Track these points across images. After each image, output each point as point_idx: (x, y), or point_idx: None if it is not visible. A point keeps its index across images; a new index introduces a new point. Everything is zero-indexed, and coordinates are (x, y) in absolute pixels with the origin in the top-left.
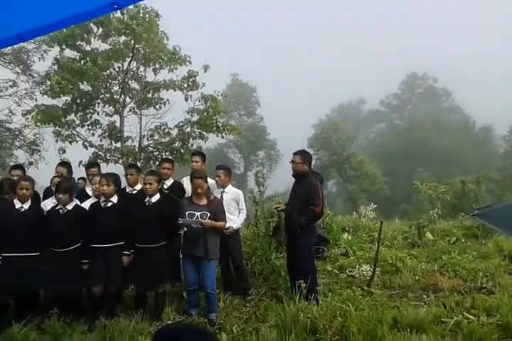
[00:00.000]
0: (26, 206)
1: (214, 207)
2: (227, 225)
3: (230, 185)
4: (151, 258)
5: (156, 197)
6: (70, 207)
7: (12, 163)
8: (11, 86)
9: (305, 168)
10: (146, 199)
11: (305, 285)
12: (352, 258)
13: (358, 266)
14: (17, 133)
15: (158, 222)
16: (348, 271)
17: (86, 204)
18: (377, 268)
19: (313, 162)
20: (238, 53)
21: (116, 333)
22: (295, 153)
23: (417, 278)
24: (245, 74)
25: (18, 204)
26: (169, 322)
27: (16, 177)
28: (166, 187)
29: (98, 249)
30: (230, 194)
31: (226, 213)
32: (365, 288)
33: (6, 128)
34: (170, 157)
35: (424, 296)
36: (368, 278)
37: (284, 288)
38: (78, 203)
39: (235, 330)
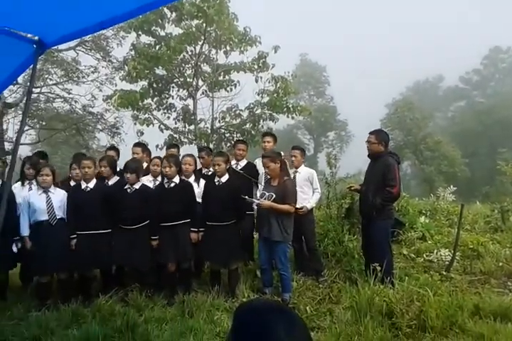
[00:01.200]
0: (91, 185)
1: (282, 189)
2: (300, 205)
3: (303, 165)
4: (221, 236)
5: (226, 177)
6: (137, 186)
7: (95, 146)
8: (92, 72)
9: (380, 148)
10: (216, 179)
11: (380, 269)
12: (429, 242)
13: (435, 251)
14: (99, 117)
15: (227, 201)
16: (425, 256)
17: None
18: (456, 253)
19: None
20: (307, 32)
21: (194, 308)
22: (371, 133)
23: (500, 264)
24: (314, 53)
25: (83, 184)
26: (244, 299)
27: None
28: (240, 167)
29: (166, 227)
30: (304, 174)
31: (299, 193)
32: (444, 273)
33: (89, 112)
34: (241, 138)
35: (509, 283)
36: (447, 263)
37: (357, 270)
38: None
39: (308, 310)
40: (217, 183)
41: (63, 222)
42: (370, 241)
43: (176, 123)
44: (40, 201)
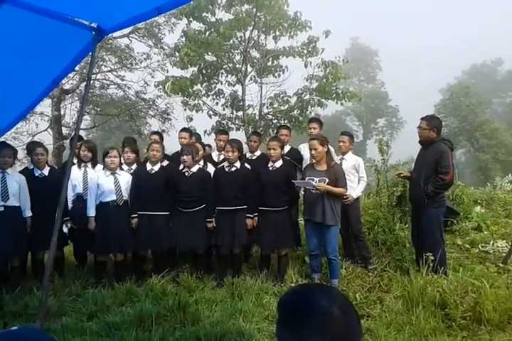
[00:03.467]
0: (156, 168)
1: (333, 173)
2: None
3: (351, 152)
4: (275, 222)
5: (280, 162)
6: (194, 169)
7: (146, 131)
8: (144, 59)
9: (432, 135)
10: (269, 165)
11: (433, 258)
12: (485, 232)
13: (492, 242)
14: (151, 103)
15: (282, 186)
16: (480, 246)
17: (211, 170)
18: None
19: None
20: (358, 17)
21: (243, 291)
22: (422, 118)
23: None
24: (366, 37)
25: (149, 167)
26: (292, 284)
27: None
28: (283, 153)
29: (223, 211)
30: (350, 161)
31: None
32: (501, 265)
33: (142, 99)
34: (288, 124)
35: None
36: (504, 254)
37: (409, 259)
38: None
39: (358, 298)
40: (271, 168)
41: (127, 205)
42: (422, 229)
43: (224, 109)
44: (109, 182)
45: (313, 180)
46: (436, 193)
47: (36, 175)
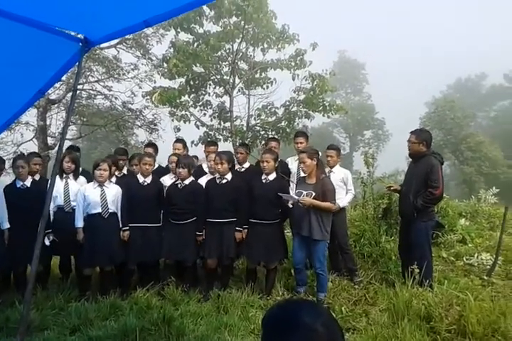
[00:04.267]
0: (148, 180)
1: (321, 187)
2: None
3: (338, 165)
4: (265, 235)
5: (273, 175)
6: (187, 181)
7: (133, 142)
8: (132, 69)
9: (421, 148)
10: (263, 177)
11: (419, 271)
12: (470, 245)
13: (476, 254)
14: (138, 113)
15: (275, 199)
16: (465, 259)
17: (203, 181)
18: (499, 257)
19: None
20: (346, 30)
21: (228, 304)
22: (411, 132)
23: None
24: (353, 51)
25: (141, 179)
26: (278, 297)
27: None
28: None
29: (213, 223)
30: (338, 174)
31: None
32: (485, 277)
33: (129, 109)
34: (276, 136)
35: None
36: (488, 267)
37: (394, 272)
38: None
39: (343, 311)
40: (264, 181)
41: (115, 217)
42: (410, 242)
43: (211, 120)
44: (95, 194)
45: (301, 193)
46: (426, 207)
47: (18, 186)
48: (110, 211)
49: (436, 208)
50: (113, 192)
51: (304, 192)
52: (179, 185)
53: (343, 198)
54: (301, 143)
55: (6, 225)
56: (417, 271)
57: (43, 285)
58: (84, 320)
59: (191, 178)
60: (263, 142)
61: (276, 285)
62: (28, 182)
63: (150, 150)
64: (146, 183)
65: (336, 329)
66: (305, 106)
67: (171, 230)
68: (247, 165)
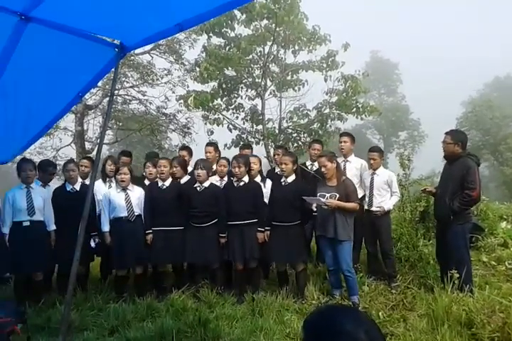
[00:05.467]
0: (167, 184)
1: (344, 188)
2: (376, 207)
3: (382, 167)
4: (287, 236)
5: (292, 177)
6: (206, 184)
7: (167, 145)
8: (166, 74)
9: (457, 150)
10: (282, 180)
11: (458, 276)
12: None
13: None
14: (171, 117)
15: (294, 201)
16: (507, 264)
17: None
18: None
19: None
20: (378, 29)
21: (263, 307)
22: (446, 133)
23: None
24: (386, 50)
25: (160, 182)
26: (313, 301)
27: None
28: (315, 168)
29: (233, 225)
30: (382, 176)
31: (376, 196)
32: None
33: (162, 113)
34: (308, 138)
35: None
36: None
37: (433, 276)
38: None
39: (381, 316)
40: (283, 183)
41: (140, 219)
42: (447, 246)
43: (244, 123)
44: (120, 198)
45: (324, 196)
46: (462, 209)
47: (68, 189)
48: (136, 214)
49: (476, 211)
50: (137, 195)
51: (327, 195)
52: (198, 188)
53: (387, 201)
54: (345, 142)
55: (53, 227)
56: (456, 275)
57: (82, 286)
58: (122, 321)
59: (209, 181)
60: (295, 144)
61: (311, 288)
62: (77, 186)
63: (184, 153)
64: (164, 187)
65: (379, 337)
66: (338, 108)
67: (193, 233)
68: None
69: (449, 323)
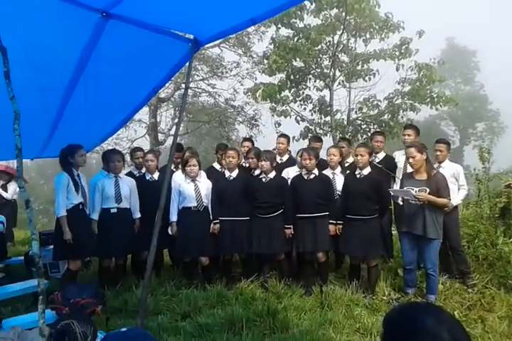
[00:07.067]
0: (234, 175)
1: (435, 183)
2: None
3: (448, 160)
4: (363, 231)
5: (368, 169)
6: (271, 175)
7: (234, 137)
8: (234, 67)
9: None
10: (357, 172)
11: None
12: None
13: None
14: (239, 109)
15: (370, 194)
16: None
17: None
18: None
19: None
20: (454, 15)
21: (332, 300)
22: None
23: None
24: (463, 38)
25: (227, 173)
26: (384, 297)
27: (246, 148)
28: (377, 160)
29: (304, 218)
30: (448, 170)
31: None
32: None
33: (231, 106)
34: (378, 130)
35: None
36: None
37: None
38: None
39: (456, 316)
40: (358, 176)
41: (207, 210)
42: None
43: (312, 115)
44: (190, 189)
45: (412, 189)
46: None
47: (147, 178)
48: (204, 204)
49: None
50: (205, 186)
51: (416, 189)
52: (263, 179)
53: (454, 195)
54: (408, 135)
55: (138, 215)
56: None
57: (157, 271)
58: (194, 307)
59: (274, 172)
60: (364, 136)
61: (382, 284)
62: (155, 175)
63: (248, 144)
64: (231, 178)
65: (464, 337)
66: (410, 98)
67: (258, 224)
68: (350, 159)
69: None
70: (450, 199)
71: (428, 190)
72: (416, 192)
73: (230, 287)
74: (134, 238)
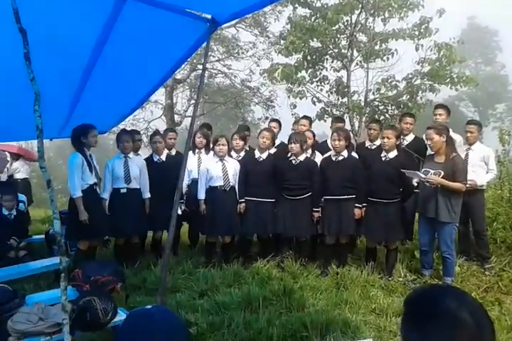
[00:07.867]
0: (264, 156)
1: (451, 166)
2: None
3: (479, 142)
4: (385, 214)
5: (394, 152)
6: (301, 158)
7: (250, 118)
8: (250, 48)
9: None
10: (382, 154)
11: None
12: None
13: None
14: (255, 90)
15: (394, 177)
16: None
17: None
18: None
19: None
20: None
21: (348, 281)
22: None
23: None
24: (484, 17)
25: (257, 154)
26: (400, 279)
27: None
28: (406, 143)
29: (331, 200)
30: (478, 152)
31: (470, 173)
32: None
33: (247, 87)
34: (396, 111)
35: None
36: None
37: None
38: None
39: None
40: (384, 159)
41: (234, 190)
42: None
43: (328, 96)
44: (217, 168)
45: (428, 172)
46: None
47: (155, 160)
48: (231, 184)
49: None
50: (233, 166)
51: (432, 171)
52: (293, 161)
53: (481, 178)
54: (440, 114)
55: (147, 195)
56: None
57: (174, 250)
58: (211, 285)
59: (305, 154)
60: (382, 117)
61: (398, 266)
62: (163, 157)
63: (274, 124)
64: (261, 159)
65: (485, 321)
66: (430, 79)
67: (285, 205)
68: (378, 142)
69: None
70: (466, 184)
71: (442, 173)
72: (431, 174)
73: (247, 266)
74: (143, 218)
